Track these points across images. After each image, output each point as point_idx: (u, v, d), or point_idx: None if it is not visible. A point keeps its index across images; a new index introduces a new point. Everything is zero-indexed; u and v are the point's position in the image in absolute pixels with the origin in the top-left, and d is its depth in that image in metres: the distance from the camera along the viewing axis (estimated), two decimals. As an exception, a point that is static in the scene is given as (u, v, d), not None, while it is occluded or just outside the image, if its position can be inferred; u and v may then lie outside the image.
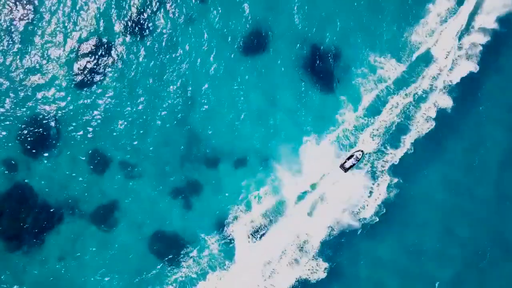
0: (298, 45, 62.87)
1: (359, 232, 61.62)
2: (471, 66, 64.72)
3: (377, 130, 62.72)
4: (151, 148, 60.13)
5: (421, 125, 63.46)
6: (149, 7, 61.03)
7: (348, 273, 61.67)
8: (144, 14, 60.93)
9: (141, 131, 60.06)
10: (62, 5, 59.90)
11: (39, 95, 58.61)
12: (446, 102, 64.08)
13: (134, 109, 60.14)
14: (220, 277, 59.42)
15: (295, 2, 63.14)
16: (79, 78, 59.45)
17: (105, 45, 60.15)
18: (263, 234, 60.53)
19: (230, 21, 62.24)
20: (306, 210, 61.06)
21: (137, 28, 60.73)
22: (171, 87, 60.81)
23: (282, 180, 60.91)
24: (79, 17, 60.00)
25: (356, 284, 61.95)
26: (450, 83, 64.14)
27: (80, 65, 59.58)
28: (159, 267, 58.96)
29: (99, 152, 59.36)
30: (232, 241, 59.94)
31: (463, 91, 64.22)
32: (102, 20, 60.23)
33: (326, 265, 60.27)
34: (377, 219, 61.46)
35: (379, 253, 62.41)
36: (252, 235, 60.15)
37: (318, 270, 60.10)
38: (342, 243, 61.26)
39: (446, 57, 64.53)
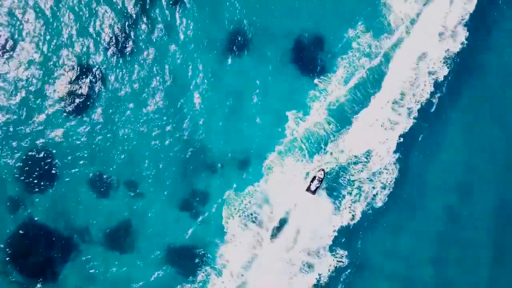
0: (282, 40, 62.37)
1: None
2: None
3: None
4: (150, 165, 60.06)
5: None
6: (127, 26, 60.47)
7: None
8: (123, 33, 60.36)
9: (138, 150, 59.93)
10: (40, 36, 59.48)
11: (32, 129, 58.49)
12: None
13: (128, 129, 59.93)
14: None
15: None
16: (69, 106, 59.22)
17: (89, 70, 59.70)
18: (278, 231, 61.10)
19: (209, 27, 61.68)
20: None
21: (118, 50, 60.26)
22: (161, 102, 60.51)
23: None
24: (59, 46, 59.57)
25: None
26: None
27: (68, 94, 59.27)
28: (179, 278, 59.40)
29: (101, 176, 59.31)
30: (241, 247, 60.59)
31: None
32: (81, 46, 59.72)
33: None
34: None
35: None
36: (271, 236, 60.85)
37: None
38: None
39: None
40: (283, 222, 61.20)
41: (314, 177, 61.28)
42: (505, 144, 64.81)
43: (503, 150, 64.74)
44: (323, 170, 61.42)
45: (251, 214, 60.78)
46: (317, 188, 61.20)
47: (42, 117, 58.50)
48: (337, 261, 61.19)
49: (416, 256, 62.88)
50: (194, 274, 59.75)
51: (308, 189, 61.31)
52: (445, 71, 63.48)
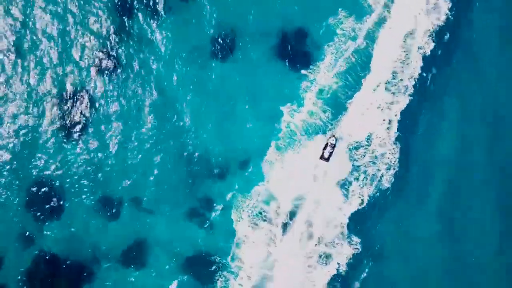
0: (264, 39, 62.32)
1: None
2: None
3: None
4: (153, 180, 60.18)
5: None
6: (109, 47, 60.35)
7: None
8: (105, 55, 60.17)
9: (138, 167, 59.98)
10: (22, 69, 59.41)
11: (32, 164, 58.49)
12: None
13: (124, 148, 59.93)
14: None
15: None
16: (64, 135, 59.21)
17: (77, 96, 59.59)
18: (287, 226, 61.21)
19: (190, 37, 61.56)
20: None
21: (103, 71, 60.05)
22: (152, 116, 60.58)
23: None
24: (42, 77, 59.39)
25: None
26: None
27: (61, 124, 59.28)
28: (198, 287, 59.90)
29: (106, 199, 59.41)
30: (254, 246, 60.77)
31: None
32: (64, 74, 59.48)
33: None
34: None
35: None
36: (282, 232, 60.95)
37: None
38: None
39: None
40: (292, 216, 61.23)
41: (326, 144, 61.18)
42: (500, 111, 64.99)
43: (498, 118, 64.94)
44: (334, 136, 61.26)
45: (260, 213, 60.83)
46: (330, 154, 61.11)
47: (39, 150, 58.58)
48: (353, 248, 61.29)
49: (426, 233, 63.10)
50: (212, 281, 59.95)
51: (321, 157, 61.23)
52: (431, 45, 63.39)
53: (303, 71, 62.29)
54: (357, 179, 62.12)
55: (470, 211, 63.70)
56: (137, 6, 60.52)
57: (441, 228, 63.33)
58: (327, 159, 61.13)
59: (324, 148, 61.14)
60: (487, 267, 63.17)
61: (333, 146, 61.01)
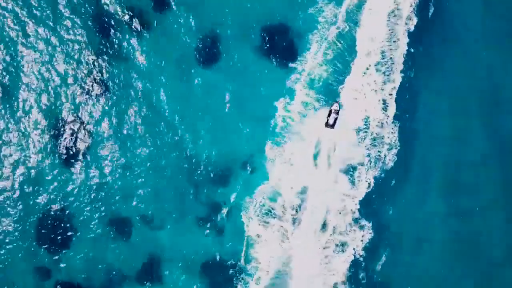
0: (246, 39, 62.14)
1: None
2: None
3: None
4: (158, 194, 60.16)
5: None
6: (92, 69, 60.22)
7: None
8: (89, 77, 60.02)
9: (142, 184, 59.92)
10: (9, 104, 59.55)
11: (37, 196, 58.38)
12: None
13: (123, 167, 59.82)
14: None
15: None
16: (65, 164, 59.11)
17: (68, 123, 59.43)
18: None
19: (171, 47, 61.36)
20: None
21: (89, 93, 59.90)
22: (145, 131, 60.48)
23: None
24: (38, 102, 59.40)
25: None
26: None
27: (61, 152, 59.18)
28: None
29: (115, 220, 59.39)
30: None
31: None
32: (51, 102, 59.32)
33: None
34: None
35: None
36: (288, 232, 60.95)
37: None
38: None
39: None
40: (301, 209, 61.16)
41: (330, 111, 61.23)
42: (493, 78, 64.94)
43: (492, 86, 64.90)
44: (337, 102, 61.36)
45: (269, 211, 60.73)
46: (335, 121, 61.14)
47: (41, 185, 58.40)
48: (367, 232, 61.26)
49: (434, 209, 63.09)
50: (232, 286, 59.89)
51: (327, 125, 61.30)
52: (414, 20, 63.24)
53: (291, 64, 62.16)
54: (362, 164, 61.98)
55: (474, 183, 63.85)
56: (115, 27, 60.41)
57: (447, 203, 63.22)
58: (332, 126, 61.15)
59: (328, 115, 61.12)
60: (497, 242, 63.35)
61: (337, 112, 60.99)
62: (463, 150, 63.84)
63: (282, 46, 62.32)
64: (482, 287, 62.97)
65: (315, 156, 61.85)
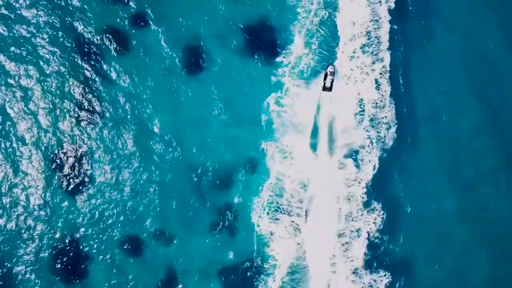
0: (229, 41, 62.28)
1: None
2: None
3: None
4: (167, 207, 59.94)
5: None
6: (83, 94, 60.37)
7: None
8: (83, 104, 60.10)
9: (149, 200, 59.78)
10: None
11: (48, 230, 58.08)
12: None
13: (128, 185, 59.71)
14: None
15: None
16: (70, 194, 58.90)
17: (71, 153, 59.35)
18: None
19: (159, 57, 61.43)
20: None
21: (86, 121, 59.89)
22: (146, 150, 60.42)
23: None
24: (33, 138, 59.23)
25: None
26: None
27: (63, 179, 58.94)
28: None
29: (128, 241, 59.16)
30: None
31: None
32: (52, 128, 59.34)
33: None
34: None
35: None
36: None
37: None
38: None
39: None
40: (309, 200, 61.02)
41: (326, 74, 61.36)
42: (480, 47, 65.35)
43: (479, 54, 65.33)
44: (331, 64, 61.54)
45: (278, 207, 60.56)
46: (332, 83, 61.23)
47: (49, 221, 58.13)
48: (377, 214, 61.10)
49: (439, 181, 63.38)
50: (254, 287, 59.73)
51: (324, 88, 61.51)
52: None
53: (277, 59, 62.31)
54: (363, 146, 61.89)
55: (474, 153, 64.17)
56: (96, 52, 60.45)
57: (451, 174, 63.51)
58: (330, 88, 61.33)
59: (325, 79, 61.22)
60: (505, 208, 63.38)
61: (333, 74, 61.08)
62: (460, 120, 64.05)
63: (265, 42, 62.42)
64: (495, 256, 62.63)
65: (314, 146, 61.81)
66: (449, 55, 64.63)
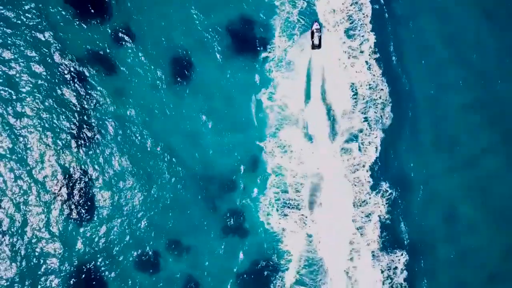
0: (213, 45, 61.95)
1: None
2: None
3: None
4: (176, 219, 60.10)
5: None
6: (79, 117, 60.40)
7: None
8: (81, 127, 60.16)
9: (159, 214, 59.92)
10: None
11: (65, 257, 58.20)
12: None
13: (135, 203, 59.82)
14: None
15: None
16: (75, 217, 59.01)
17: (75, 178, 59.46)
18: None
19: (149, 71, 61.25)
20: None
21: (86, 142, 59.96)
22: (148, 164, 60.47)
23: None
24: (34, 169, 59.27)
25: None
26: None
27: (73, 208, 59.00)
28: None
29: (143, 256, 59.32)
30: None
31: None
32: (54, 154, 59.35)
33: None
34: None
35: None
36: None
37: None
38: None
39: None
40: (316, 191, 60.89)
41: (312, 32, 61.34)
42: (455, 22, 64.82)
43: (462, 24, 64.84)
44: (315, 21, 61.56)
45: (285, 203, 60.46)
46: (320, 39, 61.23)
47: (66, 247, 58.32)
48: (385, 195, 61.14)
49: (440, 154, 63.19)
50: (272, 285, 59.68)
51: (313, 46, 61.54)
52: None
53: (262, 54, 62.14)
54: (362, 130, 61.67)
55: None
56: (83, 80, 60.35)
57: (450, 149, 63.39)
58: (319, 46, 61.39)
59: (312, 37, 61.19)
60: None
61: (319, 30, 61.08)
62: (452, 94, 63.72)
63: (248, 41, 62.27)
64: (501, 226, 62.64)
65: (310, 137, 61.62)
66: (433, 30, 64.15)
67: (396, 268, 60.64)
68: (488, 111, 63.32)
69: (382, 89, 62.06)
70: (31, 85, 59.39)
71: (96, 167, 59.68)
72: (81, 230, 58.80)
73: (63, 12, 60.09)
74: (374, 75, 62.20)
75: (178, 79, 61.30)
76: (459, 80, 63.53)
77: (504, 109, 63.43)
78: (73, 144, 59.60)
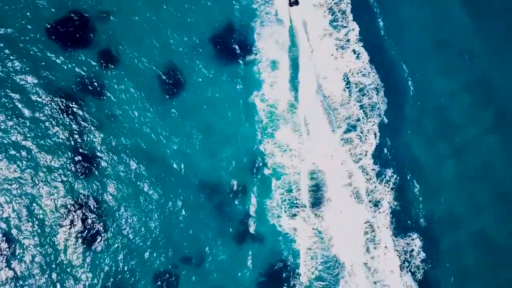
0: (200, 52, 62.14)
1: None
2: None
3: None
4: (189, 233, 59.85)
5: None
6: (76, 142, 60.22)
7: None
8: (80, 154, 59.75)
9: (167, 232, 59.61)
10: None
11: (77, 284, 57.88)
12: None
13: (144, 223, 59.62)
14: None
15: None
16: (88, 243, 58.55)
17: (79, 202, 58.99)
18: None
19: (143, 87, 61.09)
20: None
21: (86, 166, 59.50)
22: (149, 183, 60.10)
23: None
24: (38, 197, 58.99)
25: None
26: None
27: (80, 234, 58.50)
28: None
29: (158, 276, 58.90)
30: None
31: None
32: (54, 188, 58.93)
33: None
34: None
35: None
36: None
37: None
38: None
39: None
40: (321, 186, 60.82)
41: None
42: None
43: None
44: None
45: (292, 203, 60.42)
46: None
47: (76, 277, 57.91)
48: (391, 181, 61.22)
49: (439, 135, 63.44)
50: (291, 284, 59.61)
51: (291, 4, 61.57)
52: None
53: (248, 57, 62.19)
54: (359, 119, 61.61)
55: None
56: (74, 104, 59.88)
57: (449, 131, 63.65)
58: (296, 2, 61.43)
59: None
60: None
61: None
62: (443, 76, 63.98)
63: (232, 48, 62.18)
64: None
65: (308, 133, 61.52)
66: (418, 12, 64.64)
67: (412, 250, 60.59)
68: (482, 92, 63.80)
69: (373, 75, 62.26)
70: (18, 128, 59.15)
71: (103, 190, 59.38)
72: (95, 255, 58.32)
73: (47, 52, 59.85)
74: (363, 61, 62.38)
75: (170, 91, 61.25)
76: (448, 61, 64.00)
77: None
78: (70, 177, 59.24)
